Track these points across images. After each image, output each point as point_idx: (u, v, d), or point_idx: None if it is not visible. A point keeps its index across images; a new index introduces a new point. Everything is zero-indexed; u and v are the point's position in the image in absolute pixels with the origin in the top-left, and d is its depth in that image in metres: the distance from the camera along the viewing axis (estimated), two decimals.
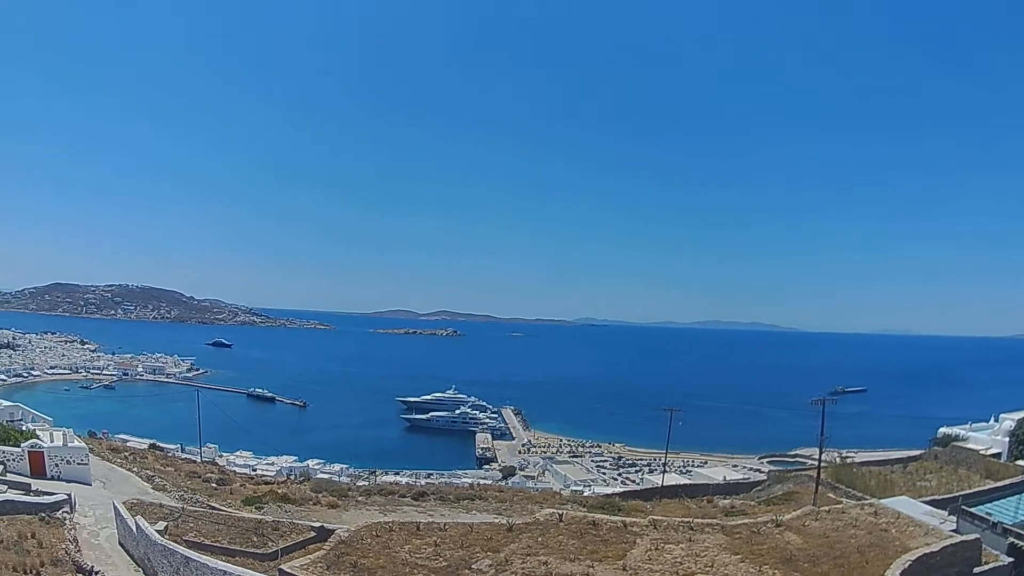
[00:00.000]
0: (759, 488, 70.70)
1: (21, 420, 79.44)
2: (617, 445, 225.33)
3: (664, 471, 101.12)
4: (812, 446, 79.79)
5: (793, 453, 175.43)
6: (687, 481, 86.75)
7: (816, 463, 63.79)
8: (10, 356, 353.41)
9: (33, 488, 47.44)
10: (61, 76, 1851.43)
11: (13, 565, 29.98)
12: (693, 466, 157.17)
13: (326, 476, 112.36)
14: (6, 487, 46.15)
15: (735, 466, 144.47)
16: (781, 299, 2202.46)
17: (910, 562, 33.57)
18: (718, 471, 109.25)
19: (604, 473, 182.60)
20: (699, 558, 35.62)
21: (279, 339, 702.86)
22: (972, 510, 42.82)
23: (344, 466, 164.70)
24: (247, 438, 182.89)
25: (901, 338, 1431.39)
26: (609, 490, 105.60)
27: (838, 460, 73.44)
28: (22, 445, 57.45)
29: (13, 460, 55.71)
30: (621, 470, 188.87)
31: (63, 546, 35.78)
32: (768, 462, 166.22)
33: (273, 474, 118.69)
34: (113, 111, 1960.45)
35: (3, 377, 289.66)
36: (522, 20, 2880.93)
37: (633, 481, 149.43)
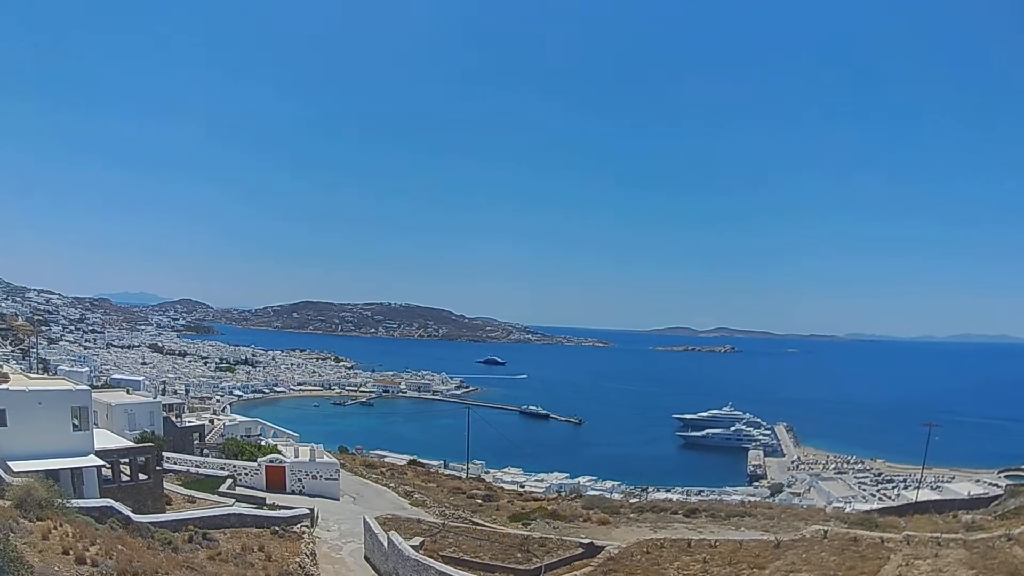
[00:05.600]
0: (997, 502, 79.96)
1: (260, 435, 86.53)
2: (878, 461, 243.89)
3: (919, 487, 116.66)
4: None
5: None
6: (937, 496, 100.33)
7: None
8: (248, 372, 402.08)
9: (268, 502, 49.80)
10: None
11: None
12: (942, 481, 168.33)
13: (597, 493, 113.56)
14: (233, 500, 48.75)
15: (978, 480, 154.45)
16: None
17: None
18: (964, 486, 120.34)
19: (864, 489, 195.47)
20: (942, 573, 40.38)
21: (555, 357, 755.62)
22: None
23: (616, 483, 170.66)
24: (517, 455, 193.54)
25: None
26: (867, 506, 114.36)
27: None
28: (259, 460, 61.36)
29: (247, 474, 60.13)
30: (879, 486, 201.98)
31: (296, 559, 36.64)
32: (1006, 476, 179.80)
33: (542, 491, 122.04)
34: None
35: (239, 393, 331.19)
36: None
37: (889, 497, 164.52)
